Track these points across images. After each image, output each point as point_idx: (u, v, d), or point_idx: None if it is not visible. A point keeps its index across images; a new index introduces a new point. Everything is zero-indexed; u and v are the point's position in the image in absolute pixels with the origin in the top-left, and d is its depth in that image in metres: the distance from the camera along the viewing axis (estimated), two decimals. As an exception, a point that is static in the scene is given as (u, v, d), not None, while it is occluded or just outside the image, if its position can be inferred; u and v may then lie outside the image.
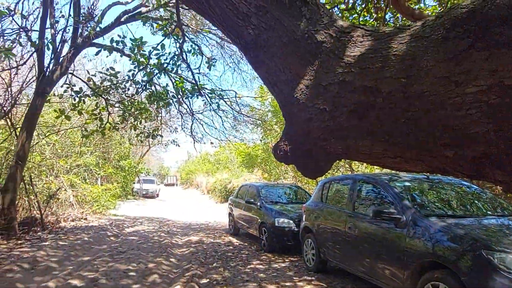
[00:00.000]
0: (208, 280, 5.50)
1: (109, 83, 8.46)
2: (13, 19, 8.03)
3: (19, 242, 7.47)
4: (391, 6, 5.08)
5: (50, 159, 11.91)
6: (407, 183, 4.90)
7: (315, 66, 2.21)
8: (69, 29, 9.42)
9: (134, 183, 26.53)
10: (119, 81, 8.64)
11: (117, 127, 9.15)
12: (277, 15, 2.17)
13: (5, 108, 8.78)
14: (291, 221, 7.70)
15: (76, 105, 8.10)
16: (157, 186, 29.49)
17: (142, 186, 26.61)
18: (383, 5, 5.50)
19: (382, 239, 4.37)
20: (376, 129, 2.01)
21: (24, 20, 8.17)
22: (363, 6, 5.88)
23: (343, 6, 5.99)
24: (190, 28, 10.25)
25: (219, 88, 9.70)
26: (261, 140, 16.19)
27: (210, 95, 9.39)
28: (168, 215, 14.93)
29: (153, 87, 9.59)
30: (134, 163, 25.07)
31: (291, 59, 2.32)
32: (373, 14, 5.71)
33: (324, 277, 5.76)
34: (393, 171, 5.05)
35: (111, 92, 8.98)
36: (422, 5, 6.68)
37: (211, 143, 12.44)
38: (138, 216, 14.52)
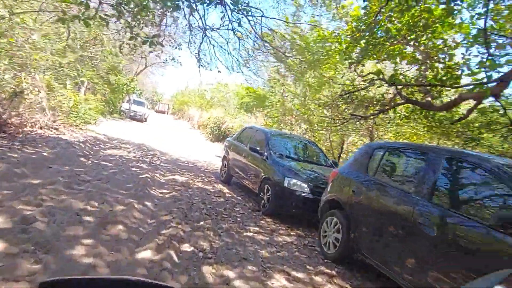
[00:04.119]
0: (192, 248, 3.93)
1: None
2: None
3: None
4: None
5: (22, 48, 9.72)
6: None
7: None
8: None
9: (122, 102, 24.53)
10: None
11: (107, 20, 7.06)
12: None
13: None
14: (305, 185, 6.10)
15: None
16: (147, 110, 27.44)
17: (131, 107, 24.60)
18: None
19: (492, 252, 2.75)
20: None
21: None
22: None
23: None
24: None
25: (245, 2, 7.49)
26: (278, 80, 13.93)
27: (233, 6, 7.27)
28: (154, 144, 13.24)
29: (162, -18, 7.39)
30: (126, 79, 22.95)
31: None
32: None
33: (350, 275, 4.24)
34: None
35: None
36: None
37: (219, 71, 10.44)
38: (120, 138, 12.78)
